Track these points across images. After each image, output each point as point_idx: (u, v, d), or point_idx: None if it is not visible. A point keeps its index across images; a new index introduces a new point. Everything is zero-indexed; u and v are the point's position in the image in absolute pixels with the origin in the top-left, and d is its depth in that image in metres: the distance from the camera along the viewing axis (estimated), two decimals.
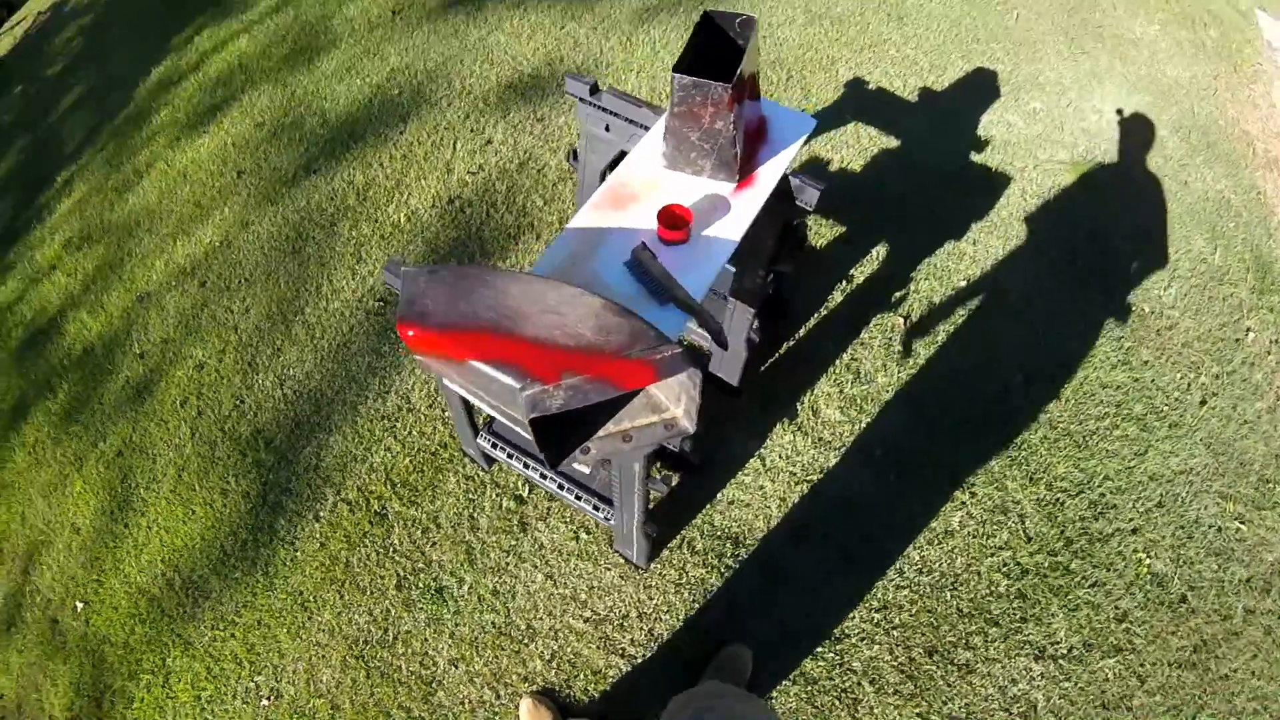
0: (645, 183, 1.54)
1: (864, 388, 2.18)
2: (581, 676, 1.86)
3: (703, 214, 1.48)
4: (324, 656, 1.96)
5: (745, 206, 1.49)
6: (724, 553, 1.98)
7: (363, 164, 2.77)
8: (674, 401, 1.25)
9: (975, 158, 2.65)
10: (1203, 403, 2.23)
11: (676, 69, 1.34)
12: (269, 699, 1.95)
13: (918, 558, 1.96)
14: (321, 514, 2.16)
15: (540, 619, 1.93)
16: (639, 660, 1.87)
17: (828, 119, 2.72)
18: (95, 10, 3.99)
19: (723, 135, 1.39)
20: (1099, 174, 2.65)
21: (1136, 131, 2.78)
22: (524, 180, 2.61)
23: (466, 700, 1.86)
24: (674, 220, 1.42)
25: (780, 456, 2.09)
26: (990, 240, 2.46)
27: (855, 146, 2.64)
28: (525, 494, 2.09)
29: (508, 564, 2.01)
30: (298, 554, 2.11)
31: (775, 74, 2.85)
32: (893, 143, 2.66)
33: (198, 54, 3.44)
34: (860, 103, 2.78)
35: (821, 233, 2.45)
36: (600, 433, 1.28)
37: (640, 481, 1.59)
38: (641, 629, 1.90)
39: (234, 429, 2.37)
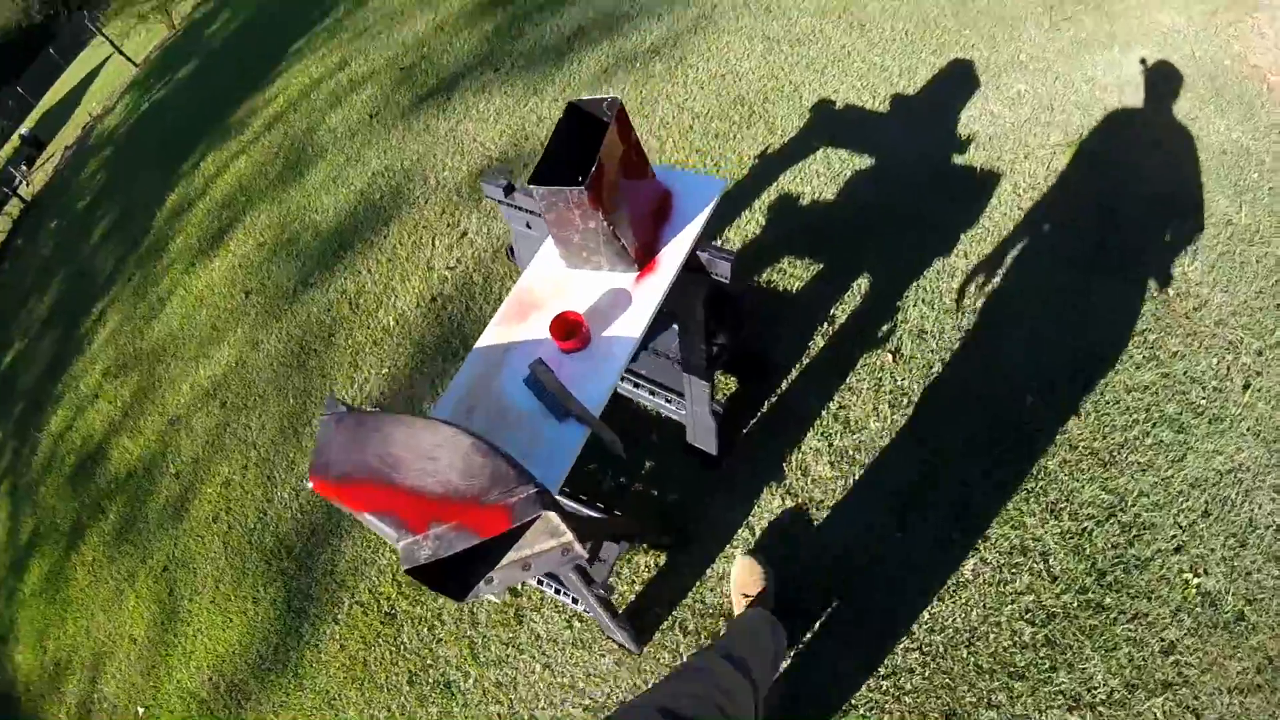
0: (549, 287, 1.53)
1: (855, 437, 2.06)
2: None
3: (603, 313, 1.45)
4: None
5: (648, 296, 1.44)
6: (718, 631, 1.90)
7: (353, 272, 2.89)
8: (570, 526, 1.22)
9: (959, 160, 2.48)
10: (1246, 387, 1.97)
11: (534, 178, 1.32)
12: None
13: (927, 615, 1.82)
14: (339, 616, 2.25)
15: (542, 709, 1.94)
16: None
17: (795, 150, 2.61)
18: (115, 142, 4.36)
19: (601, 233, 1.36)
20: (1099, 149, 2.42)
21: (1135, 92, 2.52)
22: (498, 268, 2.64)
23: None
24: (566, 330, 1.39)
25: (770, 524, 2.00)
26: (983, 249, 2.28)
27: (826, 174, 2.52)
28: (519, 586, 2.09)
29: (508, 656, 2.02)
30: (322, 655, 2.22)
31: (736, 112, 2.78)
32: (866, 161, 2.52)
33: (204, 179, 3.71)
34: (829, 125, 2.66)
35: (796, 274, 2.34)
36: (502, 561, 1.26)
37: (584, 587, 1.56)
38: None
39: (259, 540, 2.50)
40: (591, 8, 3.44)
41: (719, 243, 2.45)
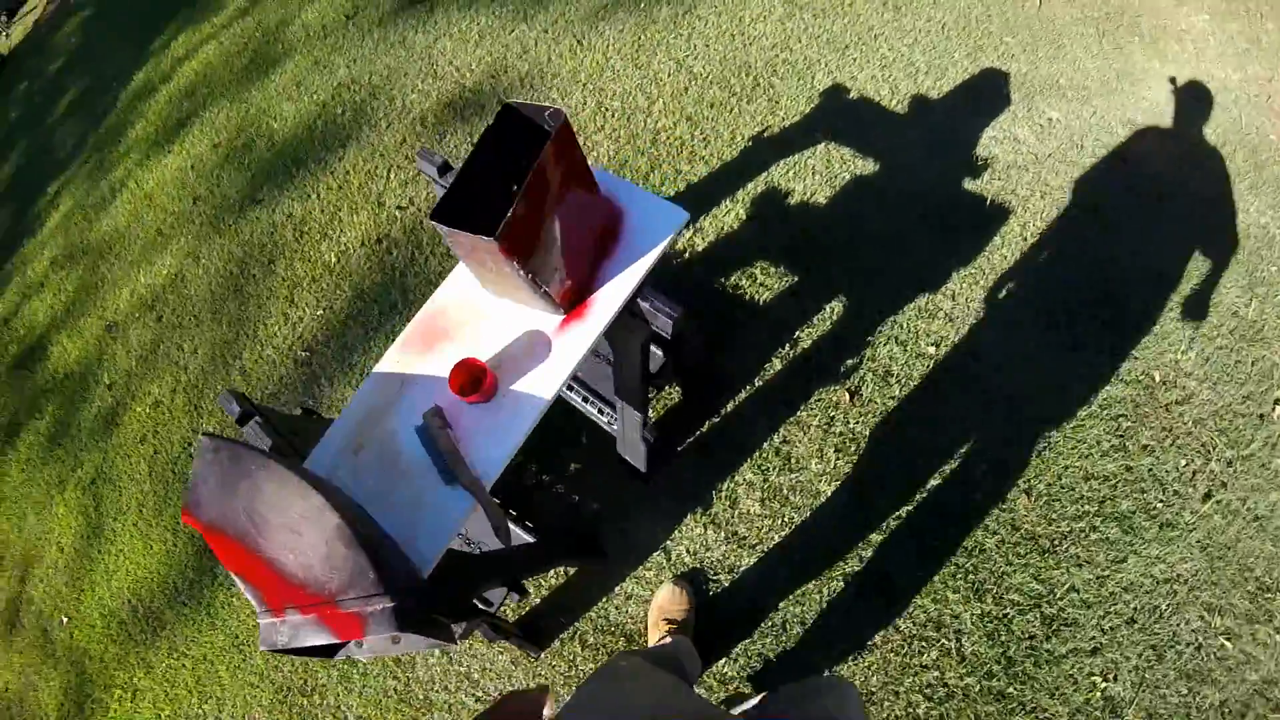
0: (463, 313, 1.36)
1: (793, 476, 1.96)
2: None
3: (516, 359, 1.30)
4: (256, 697, 2.07)
5: (571, 347, 1.29)
6: (616, 649, 1.87)
7: (302, 195, 2.67)
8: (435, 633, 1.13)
9: (970, 185, 2.26)
10: (1207, 496, 1.88)
11: (436, 212, 1.12)
12: None
13: (827, 671, 1.78)
14: None
15: (436, 692, 1.94)
16: None
17: (794, 138, 2.37)
18: (97, 3, 3.99)
19: (517, 276, 1.18)
20: (1119, 204, 2.20)
21: (1171, 149, 2.28)
22: None
23: None
24: (467, 382, 1.24)
25: (688, 551, 1.92)
26: (973, 292, 2.11)
27: (824, 173, 2.30)
28: None
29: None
30: (233, 599, 2.20)
31: (739, 81, 2.50)
32: (870, 167, 2.30)
33: (171, 61, 3.39)
34: (837, 116, 2.40)
35: (768, 284, 2.17)
36: None
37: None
38: None
39: (183, 470, 2.42)
40: None
41: (690, 234, 2.27)
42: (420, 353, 1.34)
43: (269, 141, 2.84)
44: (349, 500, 1.20)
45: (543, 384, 1.26)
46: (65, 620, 2.41)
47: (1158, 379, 1.98)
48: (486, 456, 1.23)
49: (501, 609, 1.85)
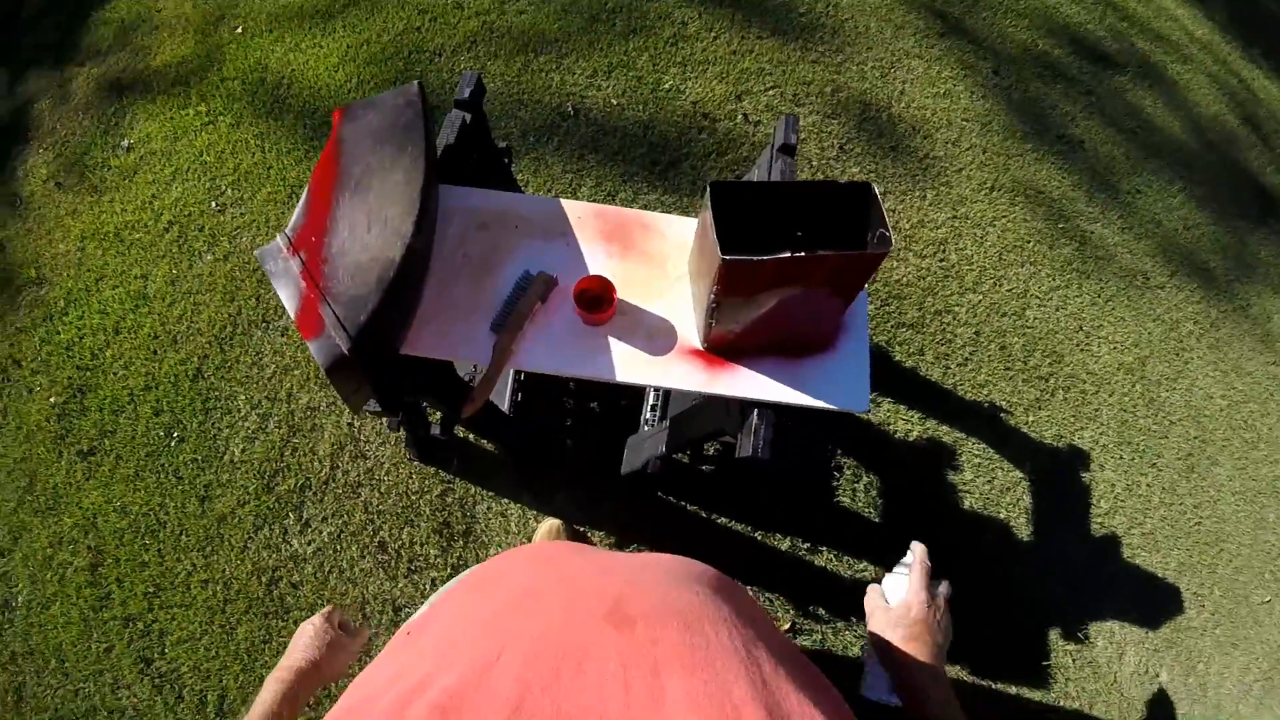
0: (656, 248, 1.30)
1: None
2: None
3: (634, 326, 1.23)
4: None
5: (671, 371, 1.21)
6: (457, 530, 1.90)
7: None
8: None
9: (1055, 631, 2.00)
10: None
11: (720, 186, 1.03)
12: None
13: None
14: None
15: (320, 420, 1.98)
16: None
17: (1007, 442, 2.16)
18: None
19: (708, 292, 1.09)
20: None
21: None
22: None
23: None
24: (594, 296, 1.19)
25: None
26: None
27: (991, 492, 2.08)
28: None
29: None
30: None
31: (1040, 360, 2.24)
32: (1024, 532, 2.06)
33: None
34: (1056, 477, 2.17)
35: (858, 499, 2.02)
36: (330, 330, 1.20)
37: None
38: None
39: (393, 83, 2.47)
40: None
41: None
42: (598, 233, 1.30)
43: None
44: (425, 254, 1.20)
45: (626, 364, 1.20)
46: (240, 29, 2.54)
47: None
48: (532, 351, 1.20)
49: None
